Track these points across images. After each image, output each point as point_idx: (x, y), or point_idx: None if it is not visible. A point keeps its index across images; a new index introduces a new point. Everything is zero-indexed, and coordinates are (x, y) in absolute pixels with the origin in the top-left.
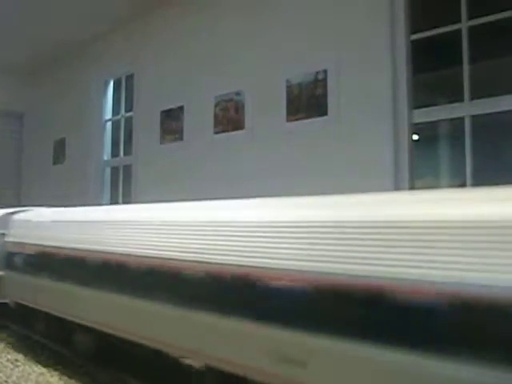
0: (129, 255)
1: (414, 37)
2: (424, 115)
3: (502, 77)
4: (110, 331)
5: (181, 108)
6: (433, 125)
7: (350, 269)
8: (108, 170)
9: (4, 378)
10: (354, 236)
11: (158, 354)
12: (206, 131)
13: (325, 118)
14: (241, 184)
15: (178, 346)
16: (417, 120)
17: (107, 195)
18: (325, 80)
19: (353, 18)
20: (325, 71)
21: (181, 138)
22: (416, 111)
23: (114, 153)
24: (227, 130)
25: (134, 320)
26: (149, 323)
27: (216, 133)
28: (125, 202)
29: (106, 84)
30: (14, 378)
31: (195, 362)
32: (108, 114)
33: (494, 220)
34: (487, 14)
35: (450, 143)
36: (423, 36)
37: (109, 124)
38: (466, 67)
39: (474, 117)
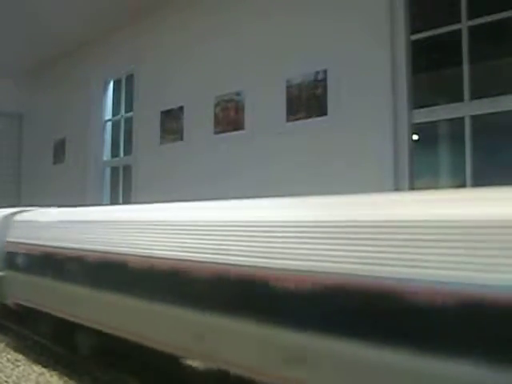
0: (130, 255)
1: (414, 37)
2: (424, 115)
3: (502, 77)
4: (114, 332)
5: (181, 108)
6: (433, 125)
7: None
8: (108, 170)
9: (4, 378)
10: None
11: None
12: (206, 131)
13: (325, 118)
14: (241, 184)
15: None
16: (417, 120)
17: (107, 195)
18: (325, 80)
19: (353, 18)
20: (325, 71)
21: (181, 139)
22: (416, 111)
23: (114, 153)
24: (227, 131)
25: (139, 321)
26: (153, 324)
27: (216, 133)
28: (125, 203)
29: (106, 84)
30: (14, 377)
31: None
32: (108, 114)
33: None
34: (487, 14)
35: (450, 143)
36: (423, 36)
37: (109, 124)
38: (465, 67)
39: (474, 117)
